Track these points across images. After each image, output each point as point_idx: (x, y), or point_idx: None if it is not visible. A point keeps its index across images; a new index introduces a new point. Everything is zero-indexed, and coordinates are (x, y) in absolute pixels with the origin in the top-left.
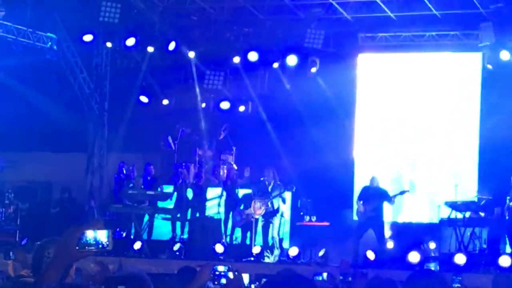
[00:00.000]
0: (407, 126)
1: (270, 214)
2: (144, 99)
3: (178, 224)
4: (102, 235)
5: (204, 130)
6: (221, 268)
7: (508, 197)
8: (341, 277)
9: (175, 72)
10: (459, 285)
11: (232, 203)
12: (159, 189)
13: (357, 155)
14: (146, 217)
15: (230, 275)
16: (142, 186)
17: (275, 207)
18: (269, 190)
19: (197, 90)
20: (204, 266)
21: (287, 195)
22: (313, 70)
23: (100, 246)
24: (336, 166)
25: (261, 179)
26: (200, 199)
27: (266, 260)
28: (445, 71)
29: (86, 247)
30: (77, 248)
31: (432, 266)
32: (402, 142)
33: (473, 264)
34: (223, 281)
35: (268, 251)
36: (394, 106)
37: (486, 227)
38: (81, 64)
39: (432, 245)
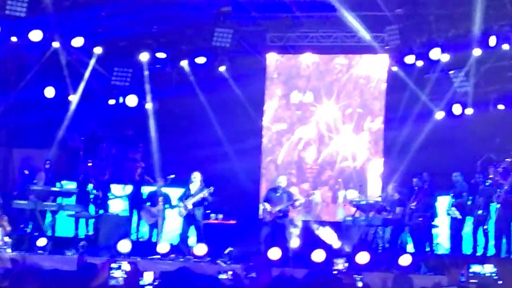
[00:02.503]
0: (314, 126)
1: (192, 217)
2: (50, 94)
3: (82, 220)
4: None
5: (111, 127)
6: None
7: (412, 198)
8: (244, 273)
9: (83, 67)
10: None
11: (139, 200)
12: (58, 185)
13: (265, 154)
14: (50, 214)
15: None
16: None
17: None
18: (192, 193)
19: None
20: (105, 263)
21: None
22: (222, 68)
23: None
24: (243, 165)
25: (168, 176)
26: (104, 195)
27: (181, 259)
28: (351, 72)
29: None
30: None
31: (340, 263)
32: (309, 142)
33: (375, 263)
34: (117, 273)
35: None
36: (302, 106)
37: (389, 226)
38: None
39: (337, 244)
